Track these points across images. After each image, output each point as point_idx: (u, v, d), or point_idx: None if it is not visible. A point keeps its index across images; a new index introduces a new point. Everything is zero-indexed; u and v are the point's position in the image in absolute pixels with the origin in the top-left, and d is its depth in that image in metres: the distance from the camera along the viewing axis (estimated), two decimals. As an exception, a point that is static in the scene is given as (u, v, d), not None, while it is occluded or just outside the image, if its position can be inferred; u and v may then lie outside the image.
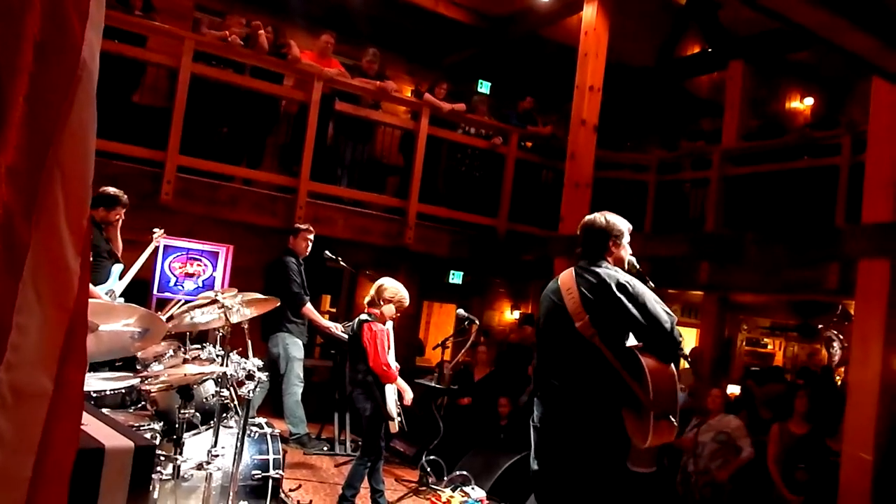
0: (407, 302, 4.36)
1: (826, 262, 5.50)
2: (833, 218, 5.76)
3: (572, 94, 6.84)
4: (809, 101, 9.93)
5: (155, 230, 5.12)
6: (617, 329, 2.82)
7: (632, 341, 2.87)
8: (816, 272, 5.64)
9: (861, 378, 4.66)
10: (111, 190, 4.64)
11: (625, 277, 2.88)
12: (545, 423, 2.92)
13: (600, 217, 3.06)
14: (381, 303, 4.24)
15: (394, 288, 4.29)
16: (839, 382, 7.06)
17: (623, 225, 3.05)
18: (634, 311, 2.79)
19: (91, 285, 4.31)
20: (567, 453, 2.84)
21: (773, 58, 8.39)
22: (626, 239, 3.05)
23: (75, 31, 0.89)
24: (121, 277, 4.67)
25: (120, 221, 4.69)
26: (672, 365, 2.86)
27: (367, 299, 4.36)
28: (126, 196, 4.68)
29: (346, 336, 5.59)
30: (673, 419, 2.75)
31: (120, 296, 4.64)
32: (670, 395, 2.78)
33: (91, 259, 4.21)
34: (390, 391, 4.13)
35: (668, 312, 2.84)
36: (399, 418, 4.17)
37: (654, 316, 2.79)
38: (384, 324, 4.25)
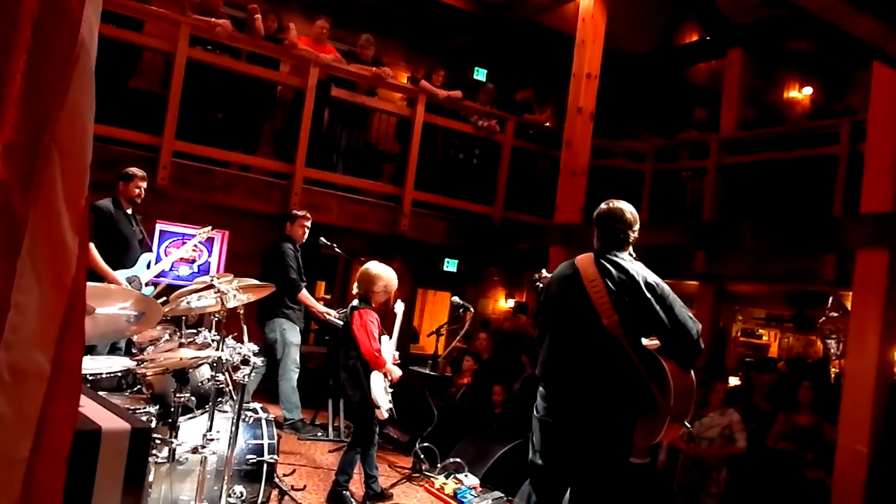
0: (395, 284, 4.32)
1: (823, 252, 5.49)
2: (831, 208, 5.73)
3: (569, 81, 6.82)
4: (808, 90, 9.92)
5: (204, 227, 5.22)
6: (640, 329, 2.77)
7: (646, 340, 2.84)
8: (813, 262, 5.63)
9: (857, 370, 4.66)
10: (127, 169, 4.76)
11: (653, 276, 2.80)
12: (556, 417, 2.84)
13: (623, 205, 3.00)
14: (371, 293, 4.24)
15: (378, 275, 4.25)
16: (834, 375, 7.09)
17: (637, 216, 3.03)
18: (662, 314, 2.72)
19: (110, 268, 4.41)
20: (579, 450, 2.78)
21: (772, 46, 8.37)
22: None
23: (73, 8, 0.88)
24: (150, 267, 4.76)
25: (140, 196, 4.81)
26: (692, 373, 2.82)
27: (354, 289, 4.34)
28: (143, 171, 4.77)
29: (342, 322, 5.61)
30: (686, 423, 2.77)
31: (147, 284, 4.73)
32: (688, 401, 2.76)
33: (120, 244, 4.31)
34: (376, 378, 4.12)
35: (693, 319, 2.77)
36: (389, 406, 4.15)
37: (681, 322, 2.73)
38: (382, 307, 4.27)
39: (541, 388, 2.96)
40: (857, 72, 7.70)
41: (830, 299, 6.44)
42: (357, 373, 4.13)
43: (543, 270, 3.56)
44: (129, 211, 4.83)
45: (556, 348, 2.93)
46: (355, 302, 4.26)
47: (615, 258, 2.85)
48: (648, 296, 2.72)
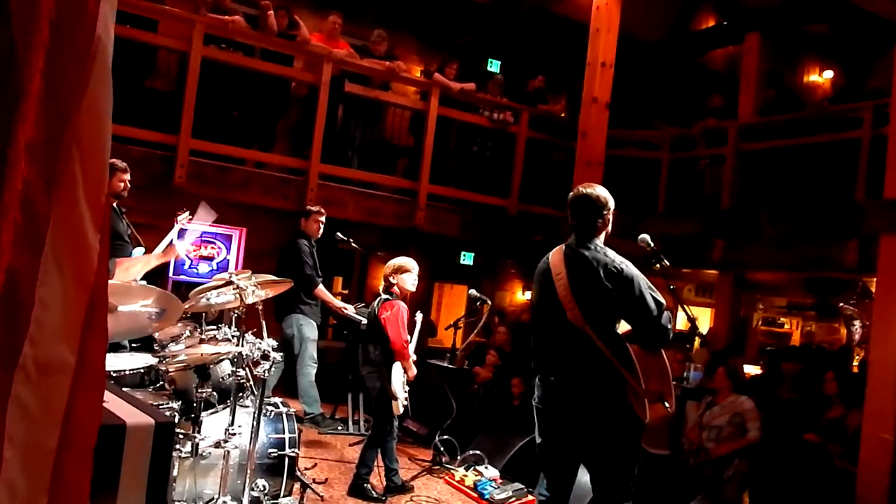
0: (411, 264, 4.38)
1: (845, 238, 5.41)
2: (853, 193, 5.65)
3: (583, 71, 6.76)
4: (829, 74, 9.75)
5: (180, 213, 5.10)
6: (606, 316, 2.82)
7: (625, 326, 2.88)
8: (835, 249, 5.56)
9: (882, 357, 4.58)
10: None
11: (615, 262, 2.83)
12: (546, 405, 2.97)
13: (592, 190, 2.98)
14: (391, 283, 4.30)
15: (390, 264, 4.36)
16: (857, 361, 6.99)
17: (611, 197, 3.00)
18: (621, 298, 2.77)
19: None
20: (572, 435, 2.89)
21: (790, 30, 8.24)
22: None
23: (90, 6, 0.89)
24: None
25: (126, 190, 4.65)
26: (661, 351, 2.88)
27: (381, 286, 4.41)
28: (123, 162, 4.62)
29: (359, 317, 5.64)
30: (667, 403, 2.80)
31: (141, 279, 4.69)
32: (661, 380, 2.81)
33: (111, 241, 4.17)
34: (397, 370, 4.15)
35: (656, 300, 2.80)
36: (405, 401, 4.18)
37: (642, 303, 2.77)
38: (405, 300, 4.33)
39: (536, 379, 3.08)
40: (878, 53, 7.55)
41: (860, 285, 6.36)
42: (380, 366, 4.17)
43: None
44: (114, 205, 4.62)
45: (539, 341, 3.04)
46: (383, 296, 4.32)
47: (581, 249, 2.89)
48: (607, 283, 2.77)
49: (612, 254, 2.88)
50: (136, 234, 4.78)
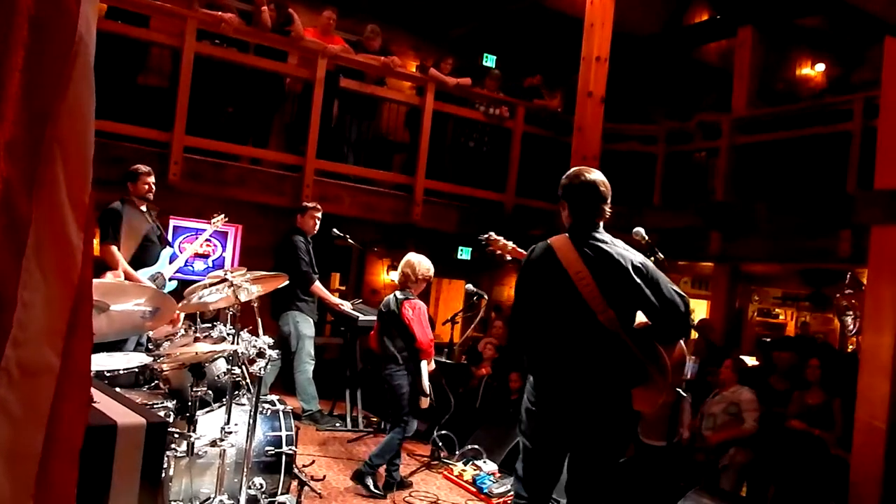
0: (431, 270, 4.55)
1: (838, 229, 5.43)
2: (845, 185, 5.69)
3: (578, 65, 6.75)
4: (821, 66, 9.78)
5: (216, 215, 5.18)
6: (632, 314, 2.70)
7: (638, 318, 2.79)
8: (829, 240, 5.59)
9: (875, 345, 4.61)
10: (131, 168, 4.74)
11: (638, 258, 2.70)
12: (552, 409, 2.76)
13: (597, 175, 2.79)
14: (416, 280, 4.40)
15: (417, 264, 4.46)
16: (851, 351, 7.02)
17: None
18: (652, 297, 2.64)
19: (132, 269, 4.44)
20: (579, 440, 2.72)
21: (783, 23, 8.24)
22: None
23: (70, 4, 0.88)
24: (171, 262, 4.78)
25: (151, 192, 4.77)
26: (681, 342, 2.84)
27: (398, 280, 4.50)
28: (147, 167, 4.76)
29: (356, 313, 5.64)
30: (679, 390, 2.86)
31: (170, 279, 4.75)
32: (680, 371, 2.83)
33: (139, 243, 4.29)
34: (424, 368, 4.25)
35: (680, 293, 2.71)
36: (429, 396, 4.29)
37: (669, 300, 2.67)
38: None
39: (531, 379, 2.83)
40: (870, 47, 7.56)
41: (848, 276, 6.37)
42: (408, 364, 4.24)
43: (492, 233, 3.52)
44: (144, 208, 4.80)
45: (550, 343, 2.76)
46: (398, 294, 4.38)
47: (596, 243, 2.68)
48: (638, 281, 2.62)
49: (629, 247, 2.74)
50: (166, 235, 4.87)
